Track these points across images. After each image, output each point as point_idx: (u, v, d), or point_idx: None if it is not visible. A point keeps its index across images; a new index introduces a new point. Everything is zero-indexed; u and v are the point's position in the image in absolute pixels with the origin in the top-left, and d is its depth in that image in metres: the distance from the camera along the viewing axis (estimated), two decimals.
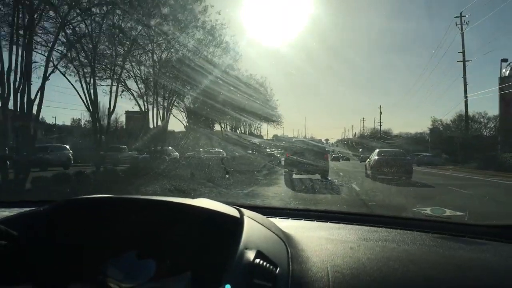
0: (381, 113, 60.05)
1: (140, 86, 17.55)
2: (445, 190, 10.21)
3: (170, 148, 21.01)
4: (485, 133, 42.63)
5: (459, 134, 36.42)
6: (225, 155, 21.03)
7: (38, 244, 0.82)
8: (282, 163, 13.69)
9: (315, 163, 10.95)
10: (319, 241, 0.93)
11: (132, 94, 17.59)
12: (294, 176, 11.26)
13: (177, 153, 20.11)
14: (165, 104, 18.97)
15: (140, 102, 18.54)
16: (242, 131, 37.75)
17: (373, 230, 1.15)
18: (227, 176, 10.08)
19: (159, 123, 18.34)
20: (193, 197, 0.96)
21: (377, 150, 15.06)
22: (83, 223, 0.88)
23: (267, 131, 67.74)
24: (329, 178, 11.14)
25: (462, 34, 29.15)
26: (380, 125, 59.87)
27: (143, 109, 17.85)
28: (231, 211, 0.87)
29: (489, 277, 0.78)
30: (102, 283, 0.76)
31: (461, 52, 29.46)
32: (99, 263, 0.81)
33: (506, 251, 1.04)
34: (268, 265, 0.64)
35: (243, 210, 0.88)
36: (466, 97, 30.81)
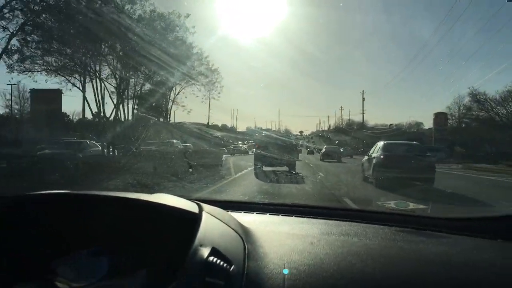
0: (363, 99, 57.52)
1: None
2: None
3: (88, 142, 16.91)
4: None
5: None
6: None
7: None
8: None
9: (284, 156, 12.99)
10: (279, 236, 1.00)
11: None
12: (264, 168, 13.04)
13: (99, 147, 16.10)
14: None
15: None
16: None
17: (337, 224, 1.24)
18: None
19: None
20: (154, 192, 1.02)
21: (325, 146, 32.24)
22: (33, 220, 0.91)
23: (235, 123, 69.61)
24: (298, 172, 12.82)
25: None
26: (363, 114, 58.15)
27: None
28: (190, 206, 0.91)
29: (446, 271, 0.85)
30: (52, 282, 0.79)
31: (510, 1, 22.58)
32: (50, 262, 0.84)
33: (466, 244, 1.14)
34: (222, 262, 0.69)
35: (203, 205, 0.93)
36: None
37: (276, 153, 13.05)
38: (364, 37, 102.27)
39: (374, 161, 9.46)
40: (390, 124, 57.11)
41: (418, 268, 0.87)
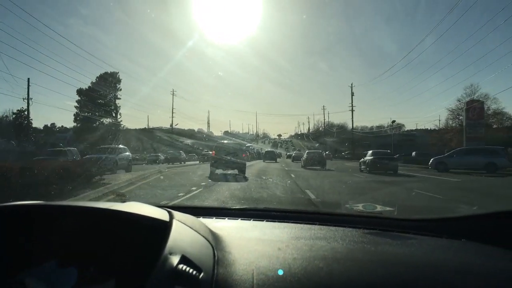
0: (352, 94, 58.16)
1: None
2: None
3: None
4: None
5: None
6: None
7: None
8: None
9: (235, 160, 17.32)
10: (249, 242, 1.13)
11: None
12: (217, 171, 16.98)
13: None
14: None
15: None
16: None
17: (307, 227, 1.41)
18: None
19: None
20: (126, 200, 1.10)
21: (294, 152, 52.61)
22: (1, 232, 1.01)
23: (208, 127, 72.20)
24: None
25: None
26: (352, 111, 58.05)
27: None
28: (161, 214, 1.02)
29: (410, 272, 0.99)
30: None
31: None
32: (18, 274, 0.93)
33: (430, 245, 1.30)
34: (191, 270, 0.80)
35: (174, 212, 1.04)
36: None
37: (228, 157, 17.29)
38: (344, 40, 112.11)
39: (303, 158, 28.33)
40: (393, 121, 55.34)
41: (383, 270, 0.99)
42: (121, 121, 40.83)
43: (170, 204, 1.85)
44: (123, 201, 1.18)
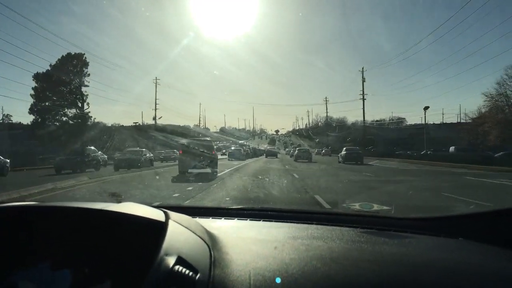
0: (363, 80, 56.75)
1: None
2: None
3: None
4: None
5: None
6: None
7: None
8: None
9: (204, 157, 17.58)
10: (245, 242, 1.19)
11: None
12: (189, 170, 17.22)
13: None
14: None
15: None
16: None
17: (303, 227, 1.49)
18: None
19: None
20: (122, 201, 1.16)
21: (292, 148, 71.28)
22: None
23: (201, 121, 74.80)
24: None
25: None
26: (363, 100, 56.27)
27: None
28: (156, 214, 1.07)
29: (407, 271, 1.04)
30: None
31: None
32: (12, 276, 0.97)
33: (428, 244, 1.37)
34: (187, 271, 0.84)
35: (170, 213, 1.10)
36: None
37: (197, 155, 17.56)
38: (340, 35, 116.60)
39: (294, 154, 40.27)
40: (426, 107, 42.13)
41: (379, 269, 1.05)
42: (89, 112, 39.17)
43: (166, 204, 1.84)
44: (119, 201, 1.22)
